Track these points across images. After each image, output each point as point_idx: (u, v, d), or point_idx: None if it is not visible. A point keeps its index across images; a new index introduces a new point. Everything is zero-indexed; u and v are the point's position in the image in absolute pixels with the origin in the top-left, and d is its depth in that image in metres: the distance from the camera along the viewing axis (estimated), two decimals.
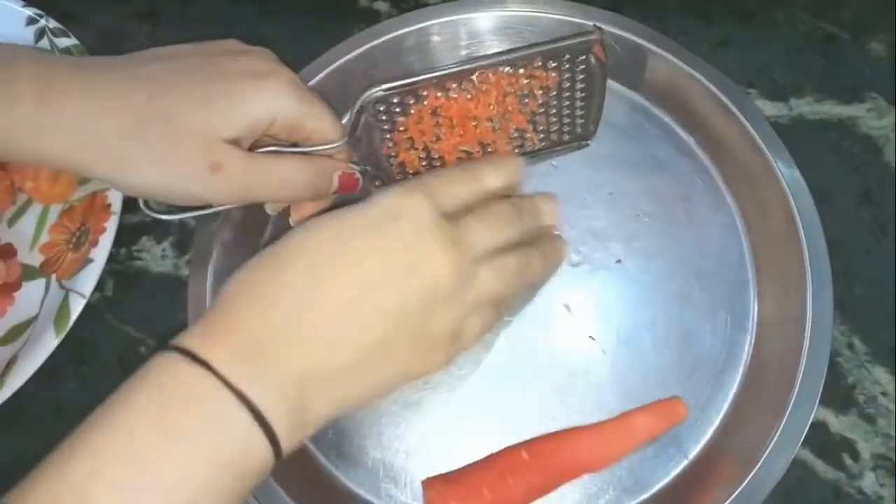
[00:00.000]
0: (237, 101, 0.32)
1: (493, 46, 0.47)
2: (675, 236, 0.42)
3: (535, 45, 0.37)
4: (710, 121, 0.43)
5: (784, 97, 0.46)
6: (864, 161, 0.44)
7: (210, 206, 0.37)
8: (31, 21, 0.47)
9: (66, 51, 0.46)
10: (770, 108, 0.46)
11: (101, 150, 0.30)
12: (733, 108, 0.42)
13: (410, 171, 0.40)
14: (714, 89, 0.43)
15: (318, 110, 0.35)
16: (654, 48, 0.44)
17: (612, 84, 0.45)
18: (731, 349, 0.40)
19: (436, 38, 0.46)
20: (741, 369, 0.39)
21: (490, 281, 0.30)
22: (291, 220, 0.39)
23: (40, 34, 0.46)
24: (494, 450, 0.37)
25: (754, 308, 0.41)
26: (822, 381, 0.36)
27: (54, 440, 0.40)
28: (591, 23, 0.43)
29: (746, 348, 0.40)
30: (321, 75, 0.44)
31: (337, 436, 0.39)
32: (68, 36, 0.46)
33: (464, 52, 0.47)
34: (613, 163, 0.44)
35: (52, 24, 0.46)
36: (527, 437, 0.37)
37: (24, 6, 0.47)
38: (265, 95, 0.32)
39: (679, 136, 0.45)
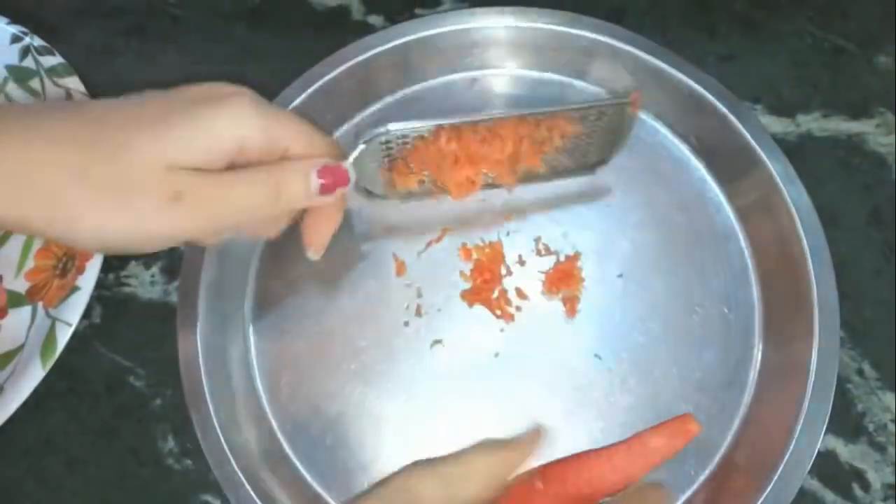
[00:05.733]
0: (197, 125, 0.28)
1: (490, 57, 0.46)
2: (675, 248, 0.41)
3: (566, 106, 0.37)
4: (714, 137, 0.42)
5: (790, 113, 0.45)
6: (873, 179, 0.43)
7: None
8: (16, 39, 0.46)
9: (52, 70, 0.44)
10: (776, 125, 0.44)
11: (45, 203, 0.27)
12: (739, 125, 0.41)
13: (403, 191, 0.39)
14: (719, 105, 0.42)
15: (289, 122, 0.31)
16: (655, 61, 0.43)
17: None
18: (738, 361, 0.39)
19: (430, 50, 0.45)
20: (746, 399, 0.38)
21: None
22: (309, 254, 0.35)
23: (25, 52, 0.45)
24: None
25: (759, 324, 0.40)
26: (829, 409, 0.35)
27: (43, 472, 0.39)
28: (591, 37, 0.43)
29: (753, 370, 0.39)
30: (312, 88, 0.43)
31: (331, 455, 0.38)
32: (53, 54, 0.45)
33: (459, 62, 0.46)
34: (609, 174, 0.43)
35: (38, 42, 0.45)
36: (536, 463, 0.36)
37: (8, 23, 0.46)
38: (227, 117, 0.29)
39: (676, 146, 0.44)
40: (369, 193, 0.41)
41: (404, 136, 0.36)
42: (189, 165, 0.28)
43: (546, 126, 0.37)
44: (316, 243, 0.35)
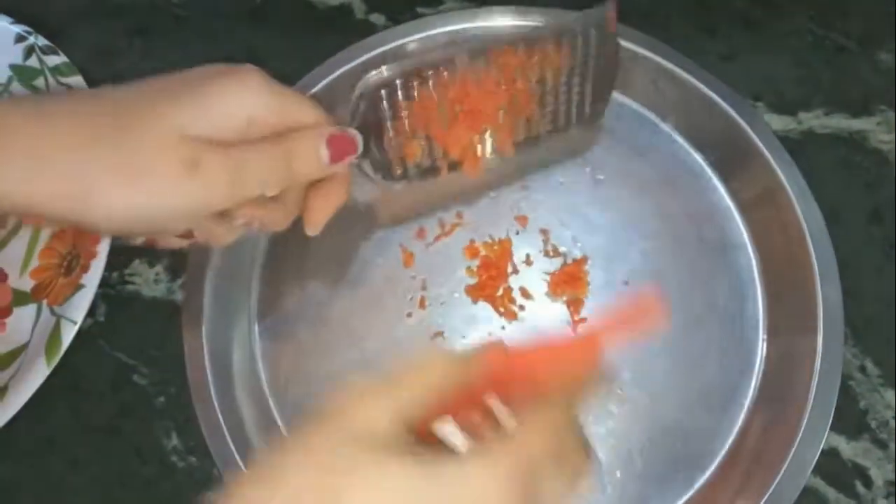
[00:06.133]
0: (206, 96, 0.28)
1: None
2: (683, 258, 0.41)
3: (546, 25, 0.35)
4: (719, 137, 0.42)
5: (792, 111, 0.45)
6: (875, 177, 0.43)
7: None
8: (20, 38, 0.46)
9: (56, 69, 0.45)
10: (778, 122, 0.45)
11: (55, 179, 0.26)
12: (743, 123, 0.41)
13: (411, 165, 0.37)
14: (723, 104, 0.42)
15: (297, 99, 0.31)
16: (659, 59, 0.43)
17: (620, 98, 0.44)
18: (740, 375, 0.39)
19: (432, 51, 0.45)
20: (750, 396, 0.38)
21: None
22: (307, 231, 0.35)
23: (29, 52, 0.45)
24: None
25: (764, 333, 0.40)
26: (833, 407, 0.36)
27: (47, 471, 0.39)
28: None
29: (756, 374, 0.39)
30: (315, 89, 0.43)
31: None
32: (57, 53, 0.45)
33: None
34: (622, 181, 0.43)
35: (42, 41, 0.45)
36: None
37: (12, 23, 0.46)
38: (236, 89, 0.29)
39: (692, 157, 0.44)
40: (378, 176, 0.37)
41: (405, 85, 0.34)
42: (201, 136, 0.28)
43: (537, 53, 0.35)
44: (315, 221, 0.34)
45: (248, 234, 0.34)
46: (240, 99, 0.29)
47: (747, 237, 0.42)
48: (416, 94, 0.34)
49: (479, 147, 0.38)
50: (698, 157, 0.43)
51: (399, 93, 0.34)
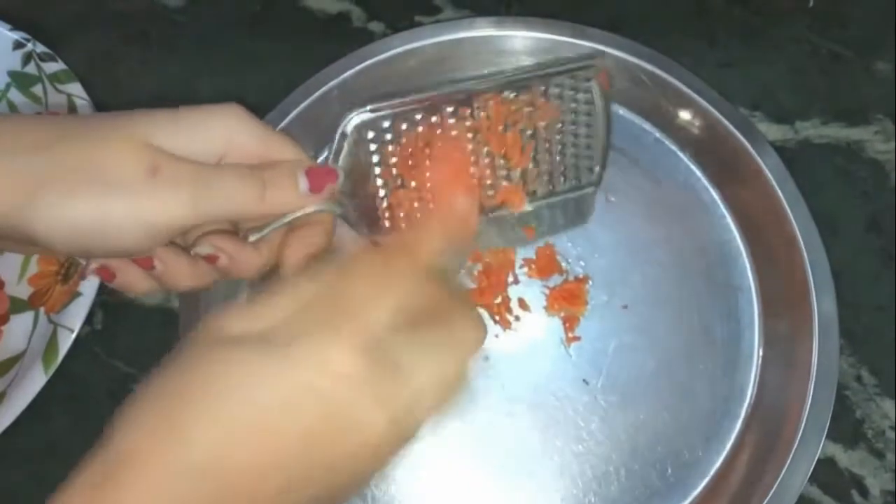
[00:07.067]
0: (186, 118, 0.27)
1: (490, 66, 0.46)
2: (684, 289, 0.41)
3: (537, 66, 0.34)
4: (717, 149, 0.42)
5: (789, 120, 0.45)
6: (872, 186, 0.43)
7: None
8: (18, 45, 0.46)
9: (54, 76, 0.45)
10: (775, 132, 0.45)
11: (6, 174, 0.24)
12: (741, 137, 0.41)
13: (402, 217, 0.35)
14: (721, 118, 0.42)
15: (280, 137, 0.29)
16: (653, 69, 0.43)
17: (642, 123, 0.44)
18: (728, 411, 0.38)
19: (429, 60, 0.45)
20: (738, 426, 0.38)
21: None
22: (283, 270, 0.31)
23: (27, 59, 0.45)
24: (474, 483, 0.37)
25: (757, 360, 0.39)
26: (829, 417, 0.36)
27: (45, 479, 0.39)
28: (591, 46, 0.42)
29: (746, 404, 0.38)
30: (313, 97, 0.43)
31: None
32: (56, 60, 0.45)
33: (459, 71, 0.46)
34: (633, 205, 0.42)
35: (40, 48, 0.45)
36: (510, 474, 0.37)
37: (10, 30, 0.46)
38: (218, 117, 0.28)
39: (708, 191, 0.43)
40: (363, 227, 0.34)
41: (392, 127, 0.32)
42: (173, 153, 0.26)
43: (526, 103, 0.34)
44: (291, 261, 0.30)
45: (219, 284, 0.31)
46: (220, 124, 0.27)
47: (752, 276, 0.41)
48: (402, 139, 0.32)
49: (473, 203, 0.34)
50: (713, 192, 0.43)
51: (387, 135, 0.31)
